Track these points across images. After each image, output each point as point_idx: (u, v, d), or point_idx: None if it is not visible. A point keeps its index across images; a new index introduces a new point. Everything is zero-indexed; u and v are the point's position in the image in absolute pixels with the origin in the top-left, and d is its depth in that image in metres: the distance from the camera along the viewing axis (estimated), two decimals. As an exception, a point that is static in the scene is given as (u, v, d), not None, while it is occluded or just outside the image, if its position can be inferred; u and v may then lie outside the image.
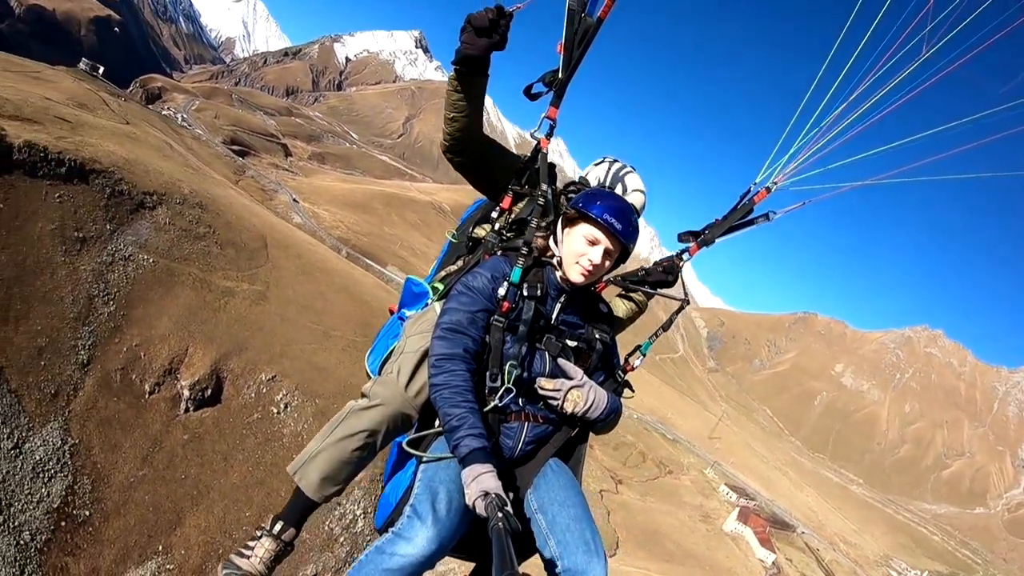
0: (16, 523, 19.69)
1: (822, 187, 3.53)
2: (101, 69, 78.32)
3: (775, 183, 3.60)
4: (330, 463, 3.09)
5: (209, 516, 25.28)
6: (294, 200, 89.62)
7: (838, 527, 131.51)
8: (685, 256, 3.97)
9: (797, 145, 3.46)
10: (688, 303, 3.76)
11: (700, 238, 3.89)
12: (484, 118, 3.51)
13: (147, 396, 26.41)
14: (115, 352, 26.16)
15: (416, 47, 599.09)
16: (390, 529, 2.65)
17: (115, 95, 62.64)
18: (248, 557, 3.04)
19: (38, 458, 21.73)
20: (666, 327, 3.63)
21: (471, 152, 3.49)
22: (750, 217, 3.80)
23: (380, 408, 3.11)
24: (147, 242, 29.66)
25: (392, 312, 3.87)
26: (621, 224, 3.10)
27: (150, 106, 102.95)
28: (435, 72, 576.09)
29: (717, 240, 3.88)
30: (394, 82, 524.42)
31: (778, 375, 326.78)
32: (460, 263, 3.71)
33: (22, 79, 40.93)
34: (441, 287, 3.55)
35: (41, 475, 21.58)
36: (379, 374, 3.40)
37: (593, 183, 3.85)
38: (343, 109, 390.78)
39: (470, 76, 3.18)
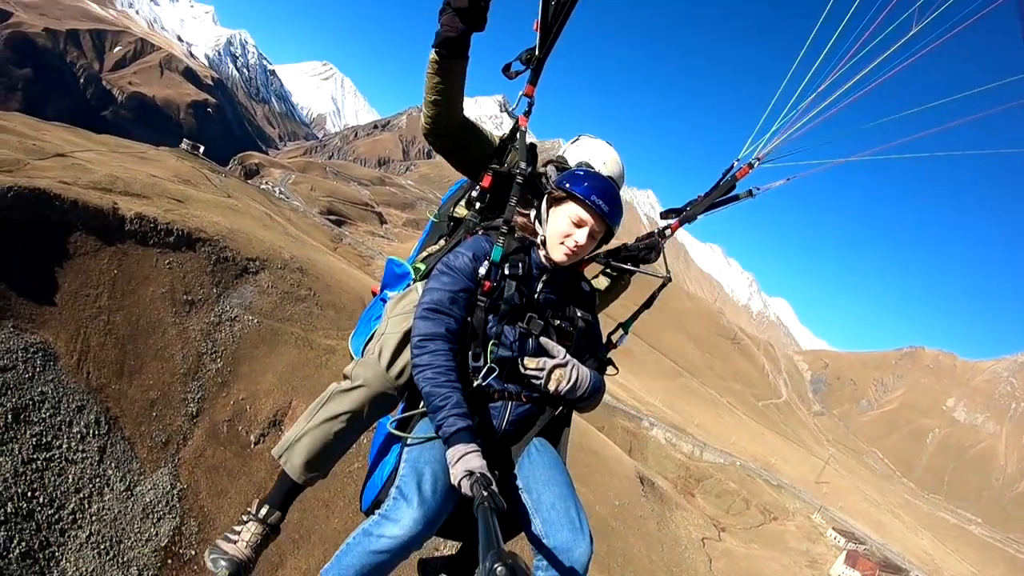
0: (125, 559, 20.72)
1: (806, 163, 3.47)
2: (201, 148, 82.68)
3: (758, 159, 3.58)
4: (314, 446, 3.09)
5: (309, 559, 25.69)
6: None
7: (956, 570, 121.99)
8: (667, 233, 4.01)
9: (780, 121, 3.43)
10: (670, 280, 3.76)
11: (682, 215, 3.94)
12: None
13: (253, 446, 27.31)
14: (223, 405, 27.36)
15: (500, 111, 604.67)
16: (376, 511, 2.66)
17: (216, 171, 66.78)
18: (235, 542, 3.08)
19: (148, 500, 22.83)
20: (648, 304, 3.71)
21: (452, 134, 3.52)
22: (733, 194, 3.79)
23: (362, 389, 3.10)
24: (251, 304, 31.34)
25: (375, 293, 3.88)
26: (608, 205, 3.10)
27: (249, 181, 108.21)
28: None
29: (699, 217, 3.91)
30: None
31: (887, 414, 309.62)
32: (441, 243, 3.72)
33: (130, 159, 44.45)
34: (423, 267, 3.57)
35: (151, 516, 22.62)
36: (362, 355, 3.37)
37: (571, 162, 3.89)
38: (434, 176, 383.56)
39: (450, 58, 3.18)
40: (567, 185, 3.12)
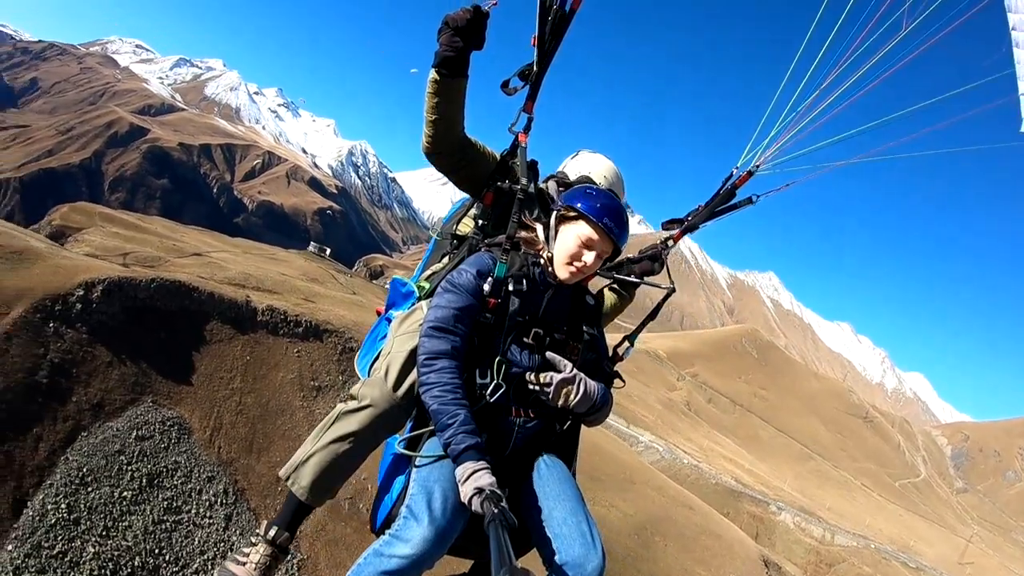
0: (243, 621, 21.03)
1: (805, 168, 3.44)
2: (328, 251, 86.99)
3: (757, 166, 3.52)
4: (321, 466, 3.09)
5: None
6: None
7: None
8: (670, 243, 3.98)
9: (778, 127, 3.40)
10: (674, 290, 3.66)
11: (684, 225, 3.89)
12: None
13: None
14: (344, 484, 27.84)
15: None
16: (387, 531, 2.64)
17: (342, 272, 70.14)
18: (243, 564, 3.06)
19: (269, 568, 23.64)
20: (654, 315, 3.70)
21: (453, 152, 3.48)
22: (733, 202, 3.73)
23: (369, 409, 3.08)
24: None
25: (379, 314, 3.91)
26: (617, 226, 3.10)
27: (374, 281, 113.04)
28: (638, 225, 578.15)
29: (701, 226, 3.84)
30: None
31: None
32: (445, 261, 3.73)
33: (261, 259, 47.34)
34: (427, 286, 3.57)
35: (270, 582, 23.38)
36: (368, 376, 3.34)
37: (571, 176, 3.91)
38: None
39: (450, 77, 3.17)
40: (578, 204, 3.10)
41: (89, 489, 18.08)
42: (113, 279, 23.35)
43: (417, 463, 2.87)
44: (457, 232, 3.78)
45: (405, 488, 2.86)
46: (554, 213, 3.25)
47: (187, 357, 25.59)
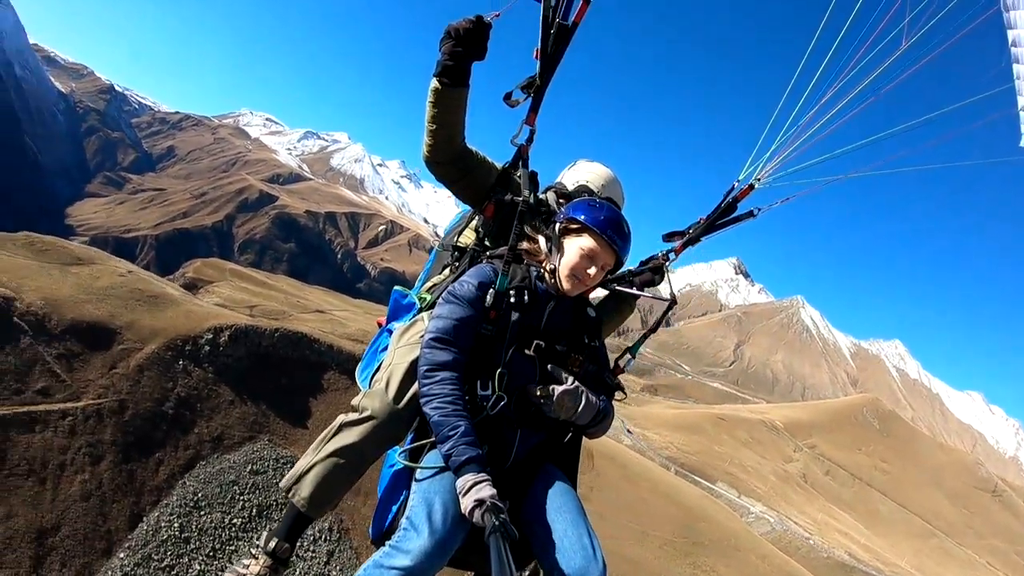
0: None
1: (807, 182, 3.38)
2: None
3: (758, 180, 3.46)
4: (322, 477, 3.04)
5: None
6: (626, 428, 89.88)
7: None
8: (671, 256, 3.89)
9: (779, 141, 3.36)
10: (676, 302, 3.66)
11: (686, 237, 3.81)
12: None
13: (465, 571, 29.14)
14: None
15: (736, 273, 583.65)
16: (387, 542, 2.58)
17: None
18: (243, 575, 3.02)
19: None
20: (655, 328, 3.68)
21: (453, 163, 3.45)
22: (735, 215, 3.66)
23: (371, 421, 3.04)
24: None
25: (380, 325, 3.84)
26: (621, 240, 3.11)
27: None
28: (758, 295, 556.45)
29: (703, 239, 3.77)
30: (719, 311, 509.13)
31: None
32: (446, 273, 3.69)
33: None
34: (428, 297, 3.54)
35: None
36: (369, 387, 3.28)
37: (569, 186, 3.90)
38: (673, 343, 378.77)
39: (451, 87, 3.15)
40: (581, 217, 3.12)
41: (202, 513, 19.77)
42: (240, 326, 25.68)
43: (418, 475, 2.84)
44: (458, 244, 3.73)
45: (406, 499, 2.83)
46: (557, 225, 3.22)
47: (304, 402, 27.65)
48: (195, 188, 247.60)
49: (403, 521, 2.63)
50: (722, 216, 3.74)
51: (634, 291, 3.85)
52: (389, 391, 3.06)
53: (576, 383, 3.02)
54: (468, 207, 3.85)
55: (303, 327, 29.93)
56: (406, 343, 3.27)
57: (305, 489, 3.04)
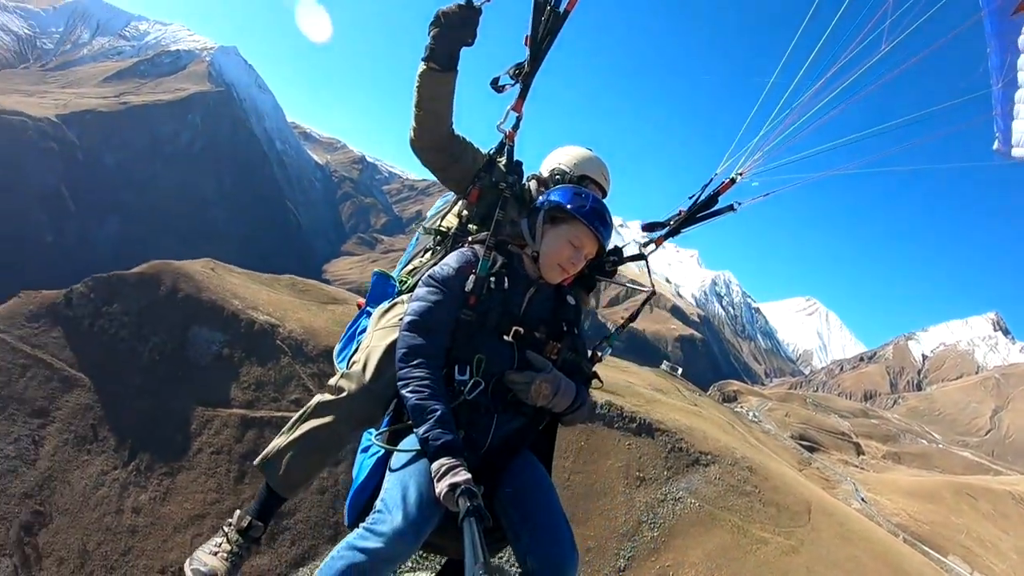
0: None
1: (787, 177, 3.28)
2: (680, 370, 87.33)
3: (740, 174, 3.37)
4: (296, 457, 3.01)
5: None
6: (859, 496, 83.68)
7: None
8: (651, 247, 3.77)
9: (760, 136, 3.25)
10: (655, 293, 3.52)
11: (666, 229, 3.70)
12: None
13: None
14: (649, 567, 29.73)
15: (994, 330, 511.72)
16: (361, 524, 2.52)
17: (690, 389, 70.77)
18: (215, 554, 3.00)
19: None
20: (633, 317, 3.58)
21: (439, 148, 3.37)
22: (715, 208, 3.52)
23: (347, 402, 3.02)
24: (696, 490, 33.38)
25: (360, 307, 3.77)
26: (606, 229, 3.09)
27: (724, 403, 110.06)
28: (1019, 354, 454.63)
29: (683, 231, 3.66)
30: (976, 373, 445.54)
31: None
32: (428, 256, 3.61)
33: (611, 369, 50.12)
34: (409, 280, 3.51)
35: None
36: (347, 368, 3.23)
37: (544, 171, 3.82)
38: (923, 409, 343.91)
39: (440, 71, 3.11)
40: (568, 205, 3.07)
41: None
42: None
43: (393, 458, 2.78)
44: (441, 228, 3.64)
45: (380, 482, 2.76)
46: (541, 212, 3.17)
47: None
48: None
49: (378, 503, 2.58)
50: (702, 209, 3.62)
51: (615, 281, 3.82)
52: (366, 373, 3.04)
53: (553, 370, 2.99)
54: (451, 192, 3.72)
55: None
56: (384, 325, 3.24)
57: (279, 468, 3.04)
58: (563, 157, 3.76)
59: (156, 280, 31.92)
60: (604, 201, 3.37)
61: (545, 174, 3.74)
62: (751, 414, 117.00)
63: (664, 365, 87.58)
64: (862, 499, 72.73)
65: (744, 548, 30.84)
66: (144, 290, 31.66)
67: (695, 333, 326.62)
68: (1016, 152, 3.39)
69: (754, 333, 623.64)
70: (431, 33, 3.07)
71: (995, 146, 3.48)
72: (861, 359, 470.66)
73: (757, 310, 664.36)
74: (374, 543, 2.38)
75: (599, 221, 3.06)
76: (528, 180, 3.66)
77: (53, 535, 24.85)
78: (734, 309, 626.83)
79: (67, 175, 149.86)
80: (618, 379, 41.29)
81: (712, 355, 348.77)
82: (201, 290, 32.01)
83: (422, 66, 3.12)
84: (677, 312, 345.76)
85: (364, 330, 3.44)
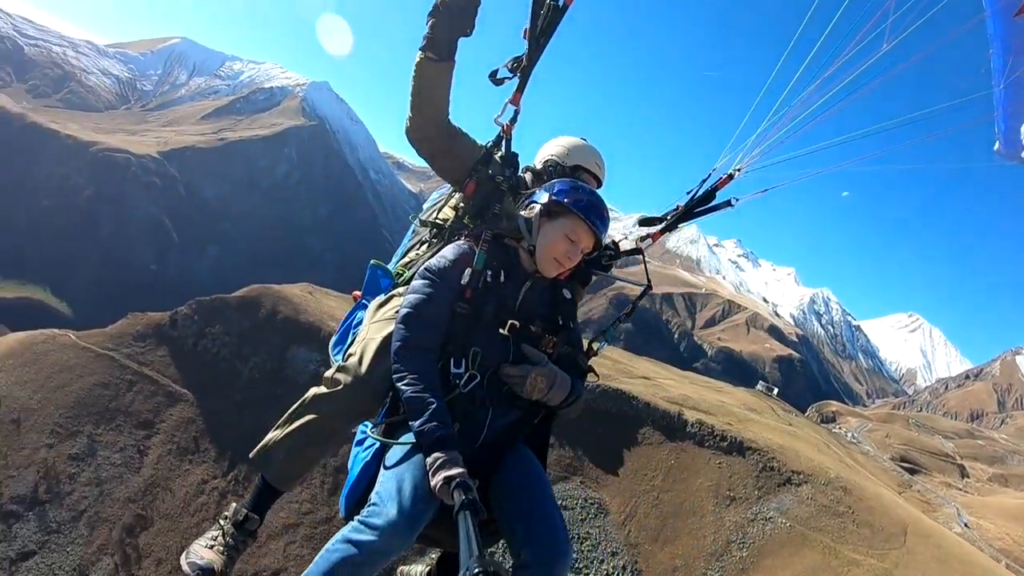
0: None
1: (787, 174, 3.29)
2: (775, 391, 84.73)
3: (739, 170, 3.33)
4: (292, 450, 3.01)
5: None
6: (962, 521, 79.33)
7: None
8: (647, 242, 3.72)
9: (759, 131, 3.23)
10: (651, 288, 3.47)
11: (663, 223, 3.66)
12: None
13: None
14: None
15: None
16: (355, 517, 2.51)
17: (785, 409, 68.85)
18: (211, 547, 3.03)
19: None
20: (630, 313, 3.57)
21: (436, 139, 3.33)
22: (713, 204, 3.46)
23: (342, 395, 2.99)
24: (788, 510, 32.02)
25: (356, 299, 3.73)
26: (603, 224, 3.08)
27: (822, 424, 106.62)
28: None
29: (680, 225, 3.64)
30: None
31: None
32: (424, 249, 3.58)
33: (705, 389, 49.39)
34: (405, 273, 3.48)
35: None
36: (343, 361, 3.20)
37: (539, 165, 3.81)
38: None
39: (437, 61, 3.09)
40: (565, 200, 3.07)
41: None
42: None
43: (389, 452, 2.79)
44: (437, 220, 3.62)
45: (375, 474, 2.77)
46: (538, 206, 3.14)
47: (618, 452, 29.18)
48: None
49: (373, 496, 2.58)
50: (700, 204, 3.57)
51: (611, 275, 3.81)
52: (362, 365, 3.01)
53: (549, 364, 2.99)
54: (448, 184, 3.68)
55: (624, 386, 31.45)
56: (380, 318, 3.22)
57: (275, 461, 3.05)
58: (556, 148, 3.78)
59: (256, 303, 33.69)
60: (600, 193, 3.38)
61: (539, 166, 3.75)
62: (849, 435, 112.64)
63: (760, 385, 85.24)
64: (964, 524, 69.41)
65: (835, 570, 29.86)
66: (245, 312, 33.50)
67: (793, 353, 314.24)
68: None
69: (855, 352, 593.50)
70: (429, 23, 3.09)
71: (996, 147, 3.52)
72: (967, 377, 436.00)
73: (858, 328, 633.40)
74: (369, 536, 2.40)
75: (596, 215, 3.07)
76: (523, 172, 3.69)
77: (153, 537, 26.45)
78: (834, 327, 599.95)
79: (169, 208, 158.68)
80: (710, 399, 40.58)
81: (811, 375, 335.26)
82: (299, 312, 33.43)
83: (419, 55, 3.12)
84: (775, 332, 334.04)
85: (360, 322, 3.44)
